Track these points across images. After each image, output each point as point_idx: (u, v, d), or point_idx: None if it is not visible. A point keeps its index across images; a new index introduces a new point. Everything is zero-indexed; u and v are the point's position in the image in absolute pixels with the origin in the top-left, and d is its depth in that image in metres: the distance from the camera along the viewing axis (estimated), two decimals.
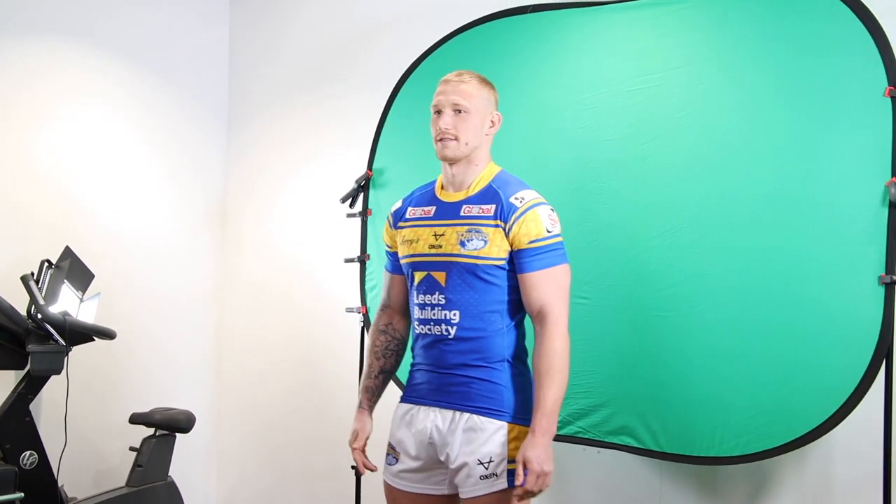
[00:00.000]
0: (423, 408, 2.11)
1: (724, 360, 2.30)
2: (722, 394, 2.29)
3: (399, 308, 2.29)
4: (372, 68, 3.64)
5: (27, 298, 3.11)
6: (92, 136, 3.78)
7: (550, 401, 1.94)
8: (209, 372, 4.23)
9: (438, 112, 2.12)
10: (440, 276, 2.07)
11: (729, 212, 2.31)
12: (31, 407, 3.05)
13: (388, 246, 2.30)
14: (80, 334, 3.09)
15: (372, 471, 2.25)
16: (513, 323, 2.07)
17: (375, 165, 3.12)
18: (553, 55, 2.70)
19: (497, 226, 2.03)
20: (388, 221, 2.29)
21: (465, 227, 2.06)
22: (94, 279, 3.34)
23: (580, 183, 2.56)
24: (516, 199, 2.04)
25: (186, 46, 4.17)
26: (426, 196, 2.21)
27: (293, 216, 3.96)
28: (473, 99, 2.09)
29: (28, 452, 3.00)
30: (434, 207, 2.15)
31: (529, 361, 2.09)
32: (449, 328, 2.06)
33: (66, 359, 3.06)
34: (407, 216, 2.21)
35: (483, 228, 2.04)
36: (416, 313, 2.14)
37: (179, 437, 3.48)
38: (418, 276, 2.12)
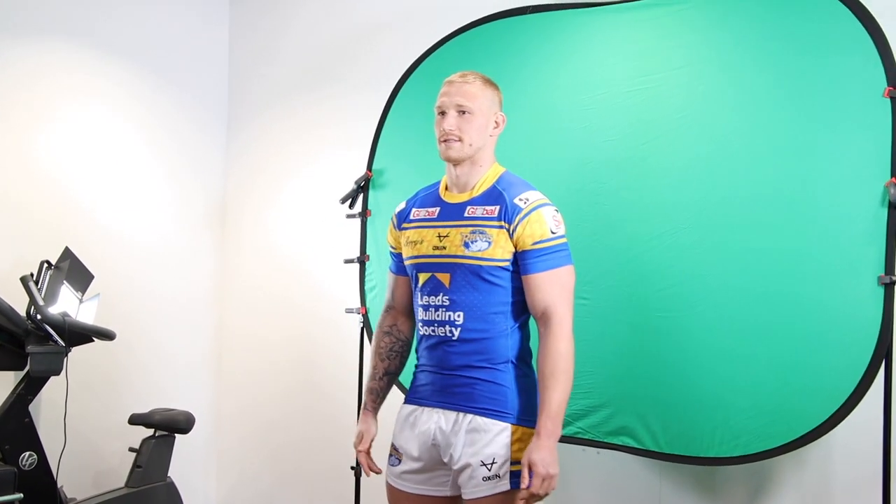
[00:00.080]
0: (426, 409, 2.10)
1: (723, 361, 2.30)
2: (722, 394, 2.29)
3: (403, 309, 2.28)
4: (372, 69, 3.64)
5: (27, 299, 3.11)
6: (91, 137, 3.78)
7: (555, 403, 1.93)
8: (209, 373, 4.23)
9: (442, 113, 2.11)
10: (444, 278, 2.07)
11: (729, 212, 2.31)
12: (31, 408, 3.04)
13: (392, 247, 2.29)
14: (80, 335, 3.09)
15: (377, 473, 2.26)
16: (517, 324, 2.06)
17: (375, 166, 3.12)
18: (553, 56, 2.71)
19: (501, 227, 2.02)
20: (392, 222, 2.28)
21: (469, 229, 2.05)
22: (94, 280, 3.34)
23: (580, 183, 2.56)
24: (520, 200, 2.04)
25: (186, 46, 4.17)
26: (430, 197, 2.21)
27: (293, 217, 3.95)
28: (478, 100, 2.09)
29: (27, 453, 3.00)
30: (438, 208, 2.15)
31: (534, 363, 2.08)
32: (453, 329, 2.05)
33: (65, 360, 3.06)
34: (411, 217, 2.21)
35: (487, 230, 2.03)
36: (420, 314, 2.14)
37: (179, 438, 3.48)
38: (422, 277, 2.12)
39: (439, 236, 2.10)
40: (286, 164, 4.01)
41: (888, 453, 2.11)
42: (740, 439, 2.25)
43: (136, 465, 3.35)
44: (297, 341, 3.88)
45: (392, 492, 2.18)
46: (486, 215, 2.05)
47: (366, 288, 3.10)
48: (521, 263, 2.02)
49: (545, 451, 1.91)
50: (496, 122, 2.13)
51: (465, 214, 2.08)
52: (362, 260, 3.12)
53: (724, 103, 2.36)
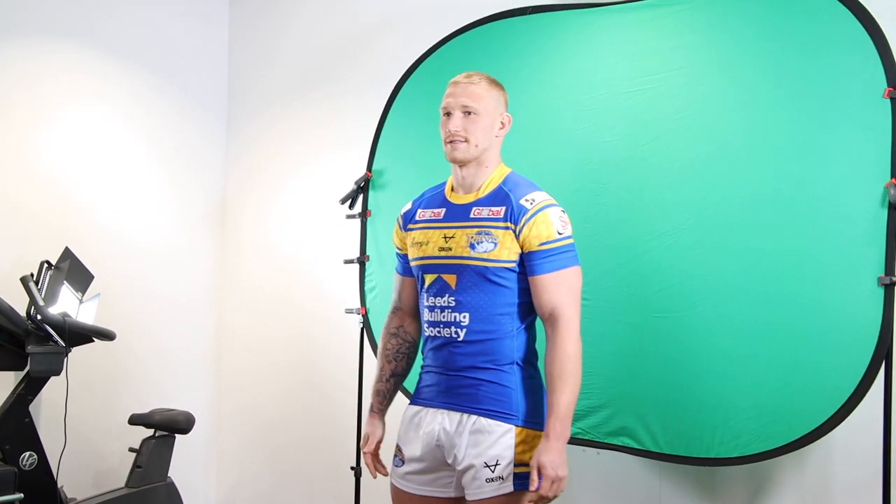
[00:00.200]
0: (431, 410, 2.10)
1: (723, 361, 2.30)
2: (722, 394, 2.29)
3: (410, 310, 2.28)
4: (372, 69, 3.64)
5: (27, 299, 3.11)
6: (91, 137, 3.78)
7: (564, 405, 1.93)
8: (209, 373, 4.23)
9: (448, 114, 2.10)
10: (451, 279, 2.06)
11: (729, 212, 2.31)
12: (31, 408, 3.05)
13: (398, 248, 2.29)
14: (80, 335, 3.09)
15: (384, 475, 2.25)
16: (523, 326, 2.06)
17: (375, 166, 3.12)
18: (553, 56, 2.71)
19: (507, 228, 2.02)
20: (398, 223, 2.28)
21: (475, 230, 2.05)
22: (94, 280, 3.33)
23: (580, 184, 2.56)
24: (527, 200, 2.03)
25: (186, 47, 4.17)
26: (436, 198, 2.20)
27: (293, 217, 3.95)
28: (483, 100, 2.08)
29: (28, 453, 3.00)
30: (444, 209, 2.15)
31: (540, 364, 2.08)
32: (458, 330, 2.05)
33: (65, 360, 3.06)
34: (417, 218, 2.20)
35: (493, 231, 2.03)
36: (425, 315, 2.14)
37: (179, 438, 3.48)
38: (429, 278, 2.12)
39: (445, 237, 2.09)
40: (286, 164, 4.01)
41: (888, 454, 2.11)
42: (740, 440, 2.25)
43: (136, 466, 3.35)
44: (297, 341, 3.88)
45: (396, 493, 2.18)
46: (492, 216, 2.04)
47: (366, 288, 3.10)
48: (527, 264, 2.02)
49: (554, 453, 1.91)
50: (502, 122, 2.13)
51: (471, 215, 2.08)
52: (362, 260, 3.12)
53: (725, 104, 2.36)
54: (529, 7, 2.79)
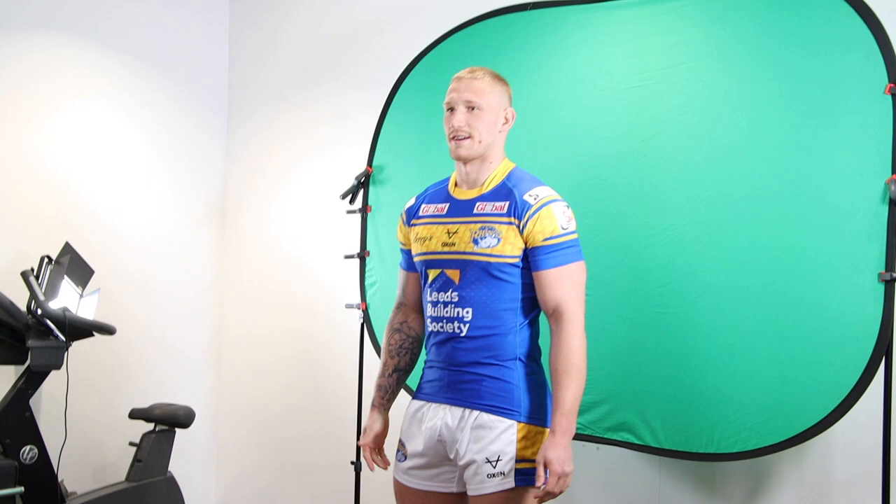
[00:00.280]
0: (433, 405, 2.10)
1: (723, 357, 2.30)
2: (721, 390, 2.30)
3: (414, 306, 2.27)
4: (372, 65, 3.63)
5: (27, 294, 3.12)
6: (92, 133, 3.78)
7: (569, 401, 1.93)
8: (209, 367, 4.23)
9: (451, 109, 2.10)
10: (454, 274, 2.06)
11: (729, 209, 2.31)
12: (31, 402, 3.05)
13: (402, 243, 2.29)
14: (80, 330, 3.09)
15: (383, 469, 2.25)
16: (526, 321, 2.05)
17: (375, 162, 3.12)
18: (553, 52, 2.70)
19: (511, 223, 2.01)
20: (402, 219, 2.27)
21: (479, 225, 2.05)
22: (94, 275, 3.34)
23: (580, 179, 2.56)
24: (530, 196, 2.03)
25: (186, 43, 4.17)
26: (440, 193, 2.20)
27: (293, 212, 3.95)
28: (487, 96, 2.08)
29: (28, 447, 3.01)
30: (447, 205, 2.14)
31: (544, 360, 2.07)
32: (461, 326, 2.05)
33: (65, 354, 3.06)
34: (420, 213, 2.20)
35: (496, 226, 2.02)
36: (428, 311, 2.14)
37: (179, 433, 3.49)
38: (432, 273, 2.12)
39: (448, 233, 2.09)
40: (286, 159, 4.01)
41: (888, 450, 2.11)
42: (740, 435, 2.26)
43: (136, 460, 3.36)
44: (297, 336, 3.88)
45: (399, 487, 2.17)
46: (496, 211, 2.04)
47: (366, 284, 3.10)
48: (531, 260, 2.01)
49: (560, 449, 1.91)
50: (506, 117, 2.12)
51: (475, 211, 2.07)
52: (362, 255, 3.12)
53: (725, 100, 2.35)
54: (530, 3, 2.79)
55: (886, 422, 2.12)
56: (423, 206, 2.21)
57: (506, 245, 2.01)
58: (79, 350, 3.22)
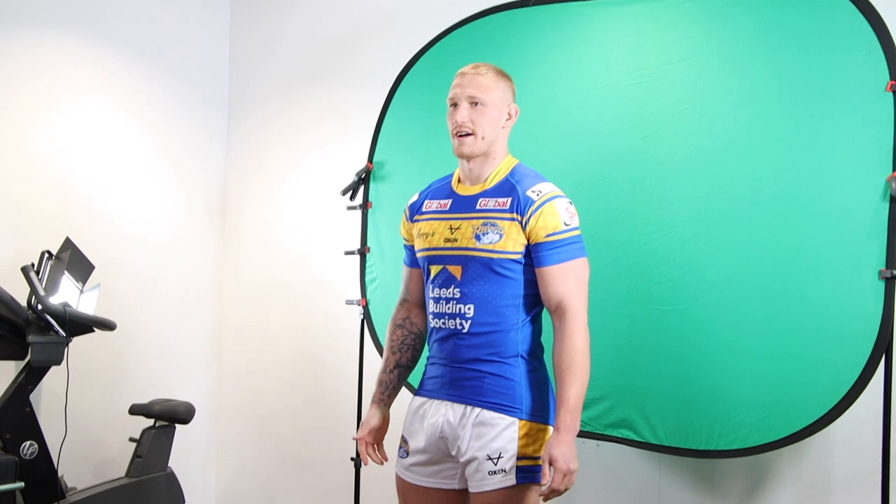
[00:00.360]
0: (435, 401, 2.10)
1: (723, 354, 2.30)
2: (721, 387, 2.30)
3: (417, 302, 2.26)
4: (372, 62, 3.63)
5: (28, 289, 3.12)
6: (93, 129, 3.78)
7: (573, 398, 1.92)
8: (209, 363, 4.23)
9: (454, 105, 2.09)
10: (456, 270, 2.06)
11: (729, 206, 2.31)
12: (32, 397, 3.05)
13: (405, 239, 2.28)
14: (81, 325, 3.09)
15: (378, 464, 2.25)
16: (528, 318, 2.05)
17: (376, 158, 3.12)
18: (554, 48, 2.70)
19: (513, 219, 2.01)
20: (405, 214, 2.27)
21: (481, 221, 2.04)
22: (95, 270, 3.34)
23: (580, 176, 2.55)
24: (533, 192, 2.02)
25: (187, 39, 4.17)
26: (443, 189, 2.19)
27: (293, 208, 3.95)
28: (490, 91, 2.07)
29: (28, 442, 3.01)
30: (450, 201, 2.14)
31: (547, 358, 2.07)
32: (463, 322, 2.04)
33: (66, 349, 3.06)
34: (423, 209, 2.20)
35: (499, 222, 2.02)
36: (431, 307, 2.13)
37: (179, 429, 3.49)
38: (434, 269, 2.11)
39: (451, 228, 2.08)
40: (287, 155, 4.01)
41: (887, 448, 2.12)
42: (740, 432, 2.26)
43: (136, 455, 3.36)
44: (298, 333, 3.89)
45: (401, 484, 2.17)
46: (498, 207, 2.03)
47: (366, 280, 3.10)
48: (534, 256, 2.00)
49: (565, 446, 1.90)
50: (509, 113, 2.12)
51: (477, 207, 2.07)
52: (363, 252, 3.12)
53: (725, 97, 2.35)
54: None
55: (886, 419, 2.12)
56: (426, 201, 2.21)
57: (508, 241, 2.00)
58: (79, 346, 3.22)
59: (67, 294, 3.13)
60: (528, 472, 1.97)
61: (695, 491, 2.64)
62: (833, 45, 2.19)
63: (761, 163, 2.28)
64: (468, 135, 2.06)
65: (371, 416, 2.25)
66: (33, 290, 3.05)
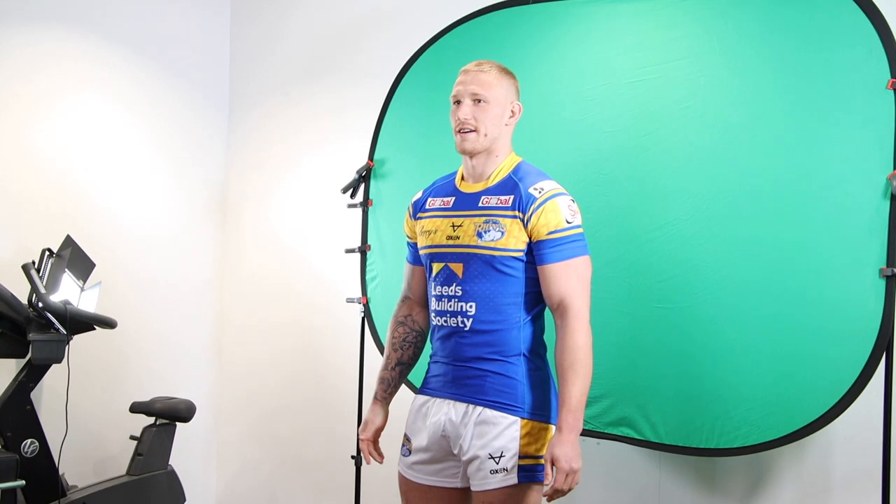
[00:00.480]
0: (437, 400, 2.10)
1: (724, 352, 2.30)
2: (722, 385, 2.30)
3: (419, 300, 2.26)
4: (373, 59, 3.63)
5: (28, 287, 3.12)
6: (93, 126, 3.78)
7: (576, 397, 1.91)
8: (210, 361, 4.23)
9: (458, 102, 2.09)
10: (457, 268, 2.05)
11: (730, 204, 2.31)
12: (32, 395, 3.05)
13: (408, 237, 2.28)
14: (81, 323, 3.09)
15: (379, 462, 2.25)
16: (530, 317, 2.04)
17: (376, 156, 3.12)
18: (555, 46, 2.70)
19: (515, 217, 2.00)
20: (409, 212, 2.27)
21: (483, 218, 2.04)
22: (95, 268, 3.34)
23: (582, 174, 2.55)
24: (535, 189, 2.01)
25: (188, 37, 4.16)
26: (446, 187, 2.19)
27: (294, 206, 3.95)
28: (493, 89, 2.07)
29: (29, 440, 3.01)
30: (453, 198, 2.13)
31: (549, 356, 2.07)
32: (465, 320, 2.04)
33: (66, 347, 3.07)
34: (426, 207, 2.20)
35: (501, 219, 2.01)
36: (433, 305, 2.13)
37: (180, 427, 3.49)
38: (436, 267, 2.11)
39: (453, 226, 2.08)
40: (287, 153, 4.01)
41: (888, 446, 2.12)
42: (740, 430, 2.26)
43: (136, 453, 3.36)
44: (298, 330, 3.89)
45: (404, 482, 2.17)
46: (501, 205, 2.03)
47: (367, 277, 3.10)
48: (536, 254, 2.00)
49: (567, 446, 1.89)
50: (512, 111, 2.11)
51: (480, 204, 2.06)
52: (363, 249, 3.12)
53: (727, 94, 2.35)
54: None
55: (887, 417, 2.12)
56: (429, 199, 2.21)
57: (510, 238, 2.00)
58: (80, 343, 3.21)
59: (68, 292, 3.13)
60: (529, 471, 1.97)
61: (695, 489, 2.64)
62: (834, 42, 2.19)
63: (763, 161, 2.27)
64: (471, 131, 2.06)
65: (375, 414, 2.25)
66: (34, 288, 3.05)
